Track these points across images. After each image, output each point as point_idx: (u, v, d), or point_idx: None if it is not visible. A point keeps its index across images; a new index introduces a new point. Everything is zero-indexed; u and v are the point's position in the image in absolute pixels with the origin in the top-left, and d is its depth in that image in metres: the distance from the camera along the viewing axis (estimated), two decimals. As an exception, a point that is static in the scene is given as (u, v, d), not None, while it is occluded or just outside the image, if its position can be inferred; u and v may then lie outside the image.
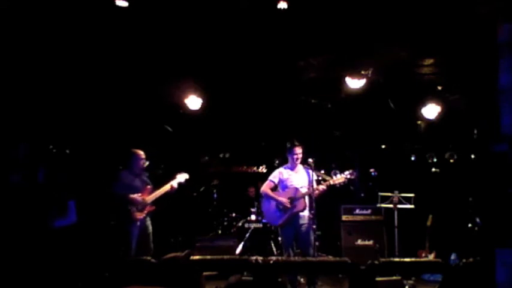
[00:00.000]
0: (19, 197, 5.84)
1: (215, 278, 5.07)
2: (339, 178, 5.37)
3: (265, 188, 5.65)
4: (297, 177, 5.49)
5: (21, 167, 6.03)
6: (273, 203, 5.53)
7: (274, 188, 5.65)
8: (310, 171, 5.34)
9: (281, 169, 5.66)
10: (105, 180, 6.44)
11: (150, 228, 5.80)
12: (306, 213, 5.36)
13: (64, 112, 6.56)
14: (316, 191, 5.29)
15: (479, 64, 5.26)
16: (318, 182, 5.41)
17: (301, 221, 5.34)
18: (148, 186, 5.82)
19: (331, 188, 5.41)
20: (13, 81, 5.64)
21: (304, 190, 5.35)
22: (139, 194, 5.71)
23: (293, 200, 5.37)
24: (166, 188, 5.87)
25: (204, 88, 6.76)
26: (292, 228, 5.38)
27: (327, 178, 5.42)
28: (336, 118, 7.80)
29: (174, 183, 5.91)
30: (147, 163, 5.83)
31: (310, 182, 5.32)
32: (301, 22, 5.08)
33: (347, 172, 5.40)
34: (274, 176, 5.65)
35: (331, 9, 4.88)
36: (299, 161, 5.52)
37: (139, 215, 5.65)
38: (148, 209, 5.73)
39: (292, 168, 5.56)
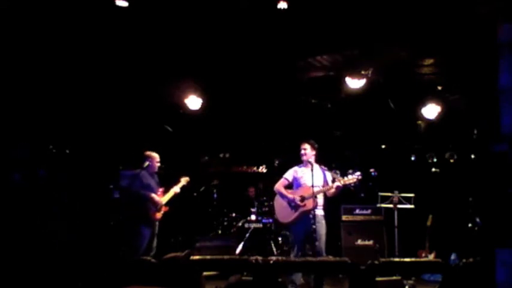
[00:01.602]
0: (20, 197, 5.84)
1: (215, 278, 5.07)
2: (350, 179, 5.37)
3: (278, 185, 5.72)
4: (311, 176, 5.45)
5: (21, 166, 6.04)
6: (286, 201, 5.58)
7: (288, 186, 5.69)
8: (326, 171, 5.43)
9: (296, 167, 5.68)
10: (105, 180, 6.44)
11: (157, 228, 5.90)
12: (318, 212, 5.39)
13: (64, 112, 6.56)
14: (331, 190, 5.35)
15: (479, 64, 5.25)
16: (334, 182, 5.44)
17: (313, 220, 5.33)
18: (161, 189, 5.96)
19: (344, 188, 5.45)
20: (13, 81, 5.64)
21: (316, 189, 5.36)
22: (158, 194, 5.85)
23: (304, 198, 5.40)
24: (172, 193, 6.02)
25: (204, 88, 6.76)
26: (303, 226, 5.38)
27: (339, 178, 5.43)
28: (336, 118, 7.80)
29: (177, 188, 6.09)
30: (147, 163, 5.84)
31: (325, 182, 5.39)
32: (301, 22, 5.09)
33: (358, 173, 5.41)
34: (289, 174, 5.69)
35: (331, 10, 4.88)
36: (305, 157, 5.51)
37: (159, 215, 5.80)
38: (164, 209, 5.86)
39: (307, 167, 5.54)
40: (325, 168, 5.49)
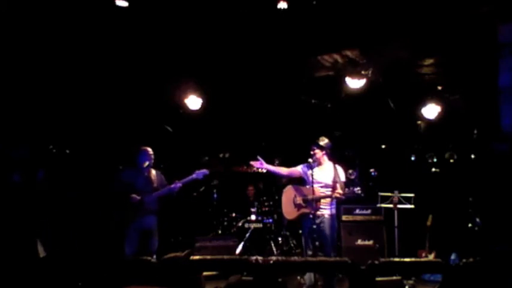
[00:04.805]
0: (20, 197, 5.83)
1: (215, 278, 5.07)
2: (340, 193, 5.36)
3: (289, 170, 5.75)
4: (319, 175, 5.46)
5: (21, 167, 6.03)
6: (291, 197, 5.63)
7: (301, 179, 5.68)
8: (340, 171, 5.44)
9: (307, 163, 5.54)
10: (105, 180, 6.43)
11: (154, 228, 5.71)
12: (324, 212, 5.39)
13: (63, 112, 6.56)
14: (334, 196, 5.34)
15: (479, 64, 5.25)
16: (347, 184, 5.44)
17: (318, 220, 5.34)
18: (155, 185, 5.73)
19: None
20: (13, 82, 5.64)
21: (321, 190, 5.38)
22: (139, 194, 5.63)
23: (305, 200, 5.43)
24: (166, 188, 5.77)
25: (204, 88, 6.76)
26: (309, 222, 5.38)
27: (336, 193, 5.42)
28: (336, 118, 7.80)
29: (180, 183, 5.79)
30: (147, 163, 5.78)
31: (333, 181, 5.37)
32: (301, 22, 5.09)
33: (347, 191, 5.40)
34: (300, 166, 5.64)
35: (331, 10, 4.89)
36: (315, 158, 5.48)
37: (137, 215, 5.57)
38: (149, 208, 5.63)
39: (318, 165, 5.52)
40: (338, 167, 5.48)
